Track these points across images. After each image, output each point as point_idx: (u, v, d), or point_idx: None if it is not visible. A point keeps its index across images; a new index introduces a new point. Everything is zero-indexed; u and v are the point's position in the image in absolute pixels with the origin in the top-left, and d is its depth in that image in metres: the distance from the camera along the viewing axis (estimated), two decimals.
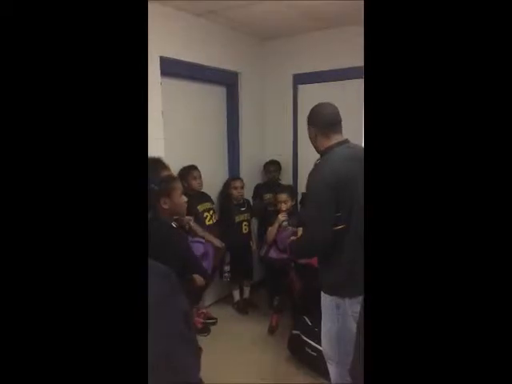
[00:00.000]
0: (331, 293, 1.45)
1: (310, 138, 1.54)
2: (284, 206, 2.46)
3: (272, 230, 2.48)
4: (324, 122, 1.49)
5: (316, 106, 1.55)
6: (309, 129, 1.54)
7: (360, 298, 1.31)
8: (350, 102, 2.60)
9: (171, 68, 2.33)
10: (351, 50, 2.35)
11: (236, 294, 2.86)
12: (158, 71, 2.21)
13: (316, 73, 2.86)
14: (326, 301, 1.47)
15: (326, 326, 1.50)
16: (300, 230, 1.77)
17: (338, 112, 1.51)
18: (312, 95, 2.91)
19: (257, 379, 2.02)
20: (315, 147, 1.54)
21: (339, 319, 1.44)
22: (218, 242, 2.43)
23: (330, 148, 1.46)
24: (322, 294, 1.49)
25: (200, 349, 0.80)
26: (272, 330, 2.51)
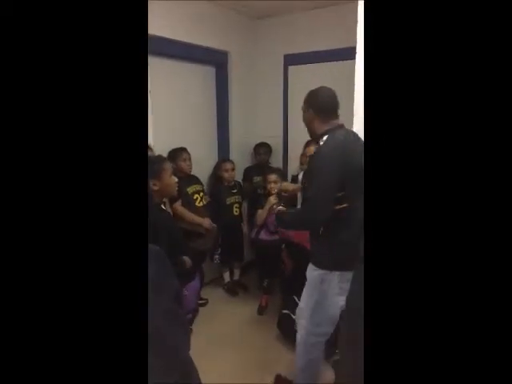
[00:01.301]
0: (321, 266, 1.49)
1: (306, 121, 1.53)
2: (274, 188, 2.46)
3: (262, 213, 2.48)
4: (323, 105, 1.49)
5: (315, 89, 1.53)
6: (305, 112, 1.53)
7: (347, 275, 1.38)
8: (341, 84, 2.58)
9: (159, 46, 2.26)
10: (344, 30, 2.30)
11: (226, 276, 2.89)
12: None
13: (307, 53, 2.81)
14: (313, 274, 1.52)
15: (308, 297, 1.56)
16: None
17: (337, 97, 1.52)
18: (303, 76, 2.87)
19: (247, 359, 2.06)
20: (310, 132, 1.54)
21: (320, 293, 1.50)
22: (207, 223, 2.43)
23: (330, 131, 1.46)
24: (310, 267, 1.54)
25: (190, 329, 0.81)
26: (261, 311, 2.55)
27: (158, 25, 2.20)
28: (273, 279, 2.66)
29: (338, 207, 1.41)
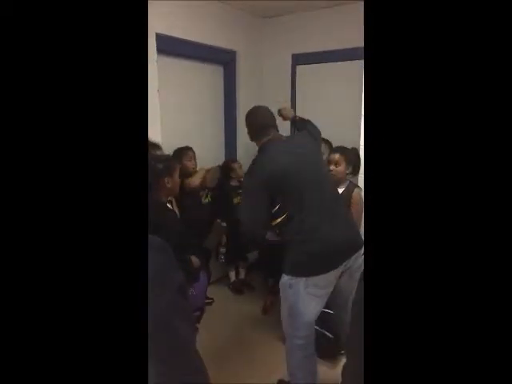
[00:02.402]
0: (286, 272, 1.55)
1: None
2: None
3: None
4: (253, 129, 1.67)
5: (248, 113, 1.70)
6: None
7: (312, 280, 1.47)
8: (350, 84, 2.57)
9: (167, 45, 2.27)
10: (353, 29, 2.29)
11: (232, 275, 2.89)
12: (154, 48, 2.16)
13: (315, 53, 2.80)
14: (282, 280, 1.58)
15: (283, 303, 1.62)
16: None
17: (269, 115, 1.67)
18: (311, 76, 2.86)
19: (251, 358, 2.06)
20: None
21: (290, 298, 1.55)
22: (204, 168, 2.46)
23: (265, 144, 1.62)
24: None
25: (196, 328, 0.81)
26: (266, 310, 2.55)
27: (166, 24, 2.21)
28: (278, 279, 2.66)
29: (275, 222, 1.52)
